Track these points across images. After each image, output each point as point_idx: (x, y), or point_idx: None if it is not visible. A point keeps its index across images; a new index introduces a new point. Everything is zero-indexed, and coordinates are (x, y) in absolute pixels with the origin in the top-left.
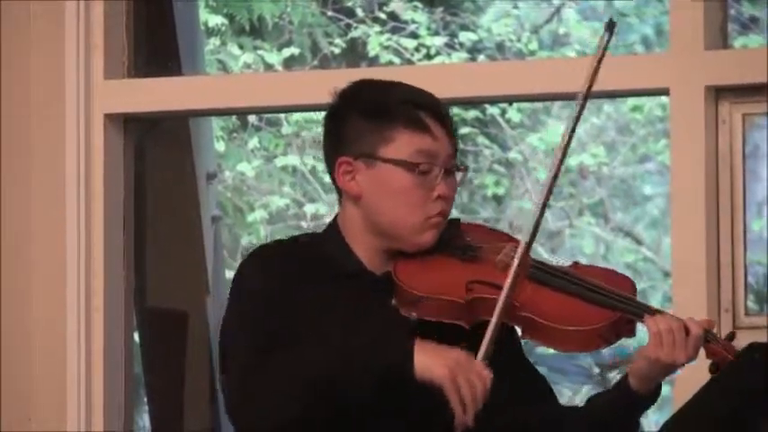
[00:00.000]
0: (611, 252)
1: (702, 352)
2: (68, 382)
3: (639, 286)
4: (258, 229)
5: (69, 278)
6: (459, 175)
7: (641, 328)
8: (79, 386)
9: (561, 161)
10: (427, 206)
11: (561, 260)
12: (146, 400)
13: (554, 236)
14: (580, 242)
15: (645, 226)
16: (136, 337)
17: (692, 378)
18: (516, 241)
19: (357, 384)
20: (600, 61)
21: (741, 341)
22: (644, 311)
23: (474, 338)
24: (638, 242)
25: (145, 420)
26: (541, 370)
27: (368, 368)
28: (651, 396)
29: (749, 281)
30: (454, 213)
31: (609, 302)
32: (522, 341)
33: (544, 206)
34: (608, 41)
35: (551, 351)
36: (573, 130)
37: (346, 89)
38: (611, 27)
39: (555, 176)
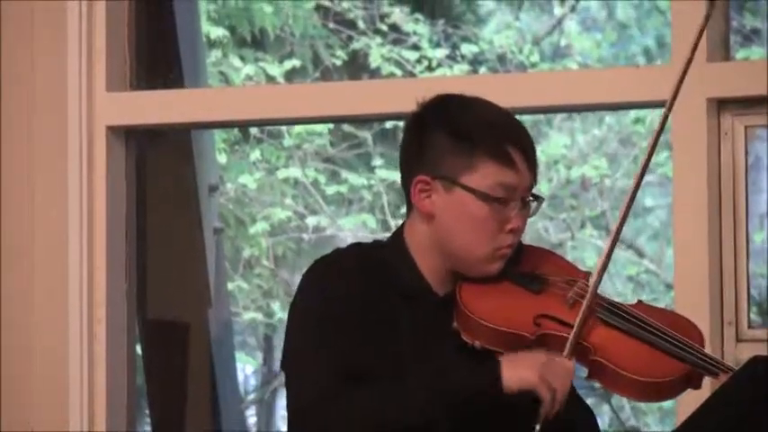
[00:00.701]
0: (613, 264)
1: None
2: (71, 392)
3: (641, 298)
4: (260, 242)
5: (71, 290)
6: (533, 206)
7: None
8: (81, 397)
9: (635, 193)
10: (499, 238)
11: (624, 299)
12: (147, 411)
13: (556, 248)
14: (582, 254)
15: (647, 238)
16: (138, 348)
17: (694, 391)
18: (577, 271)
19: (444, 418)
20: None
21: (744, 353)
22: (718, 368)
23: None
24: (641, 254)
25: (147, 431)
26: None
27: (456, 399)
28: None
29: (752, 293)
30: None
31: (681, 354)
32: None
33: (613, 245)
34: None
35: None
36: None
37: (435, 102)
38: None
39: (626, 214)
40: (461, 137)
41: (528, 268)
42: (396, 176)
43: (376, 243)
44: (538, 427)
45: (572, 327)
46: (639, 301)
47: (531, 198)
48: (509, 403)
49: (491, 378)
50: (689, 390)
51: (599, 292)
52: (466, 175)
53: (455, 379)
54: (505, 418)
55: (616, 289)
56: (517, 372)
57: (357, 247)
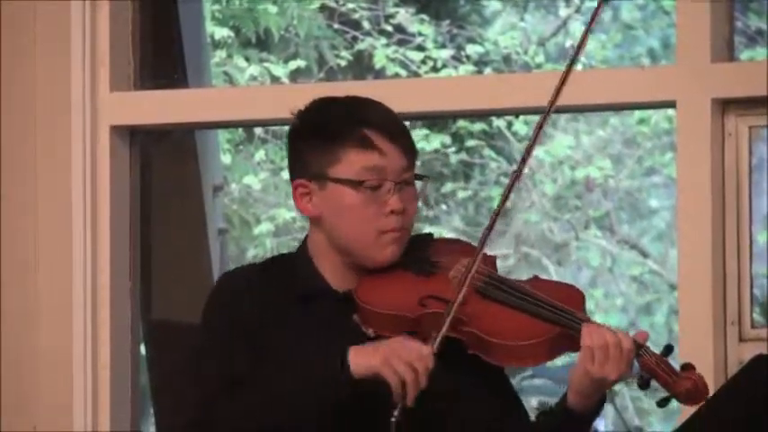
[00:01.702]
0: (617, 265)
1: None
2: (75, 392)
3: (645, 299)
4: (264, 242)
5: (76, 290)
6: (419, 185)
7: None
8: (86, 398)
9: (521, 168)
10: (380, 221)
11: (522, 277)
12: (152, 411)
13: (560, 248)
14: (586, 255)
15: (651, 239)
16: (142, 348)
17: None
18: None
19: (309, 411)
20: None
21: (747, 353)
22: (579, 325)
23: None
24: (645, 255)
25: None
26: (543, 381)
27: (310, 393)
28: (591, 412)
29: (755, 293)
30: (461, 226)
31: (551, 317)
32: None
33: (494, 220)
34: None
35: (556, 362)
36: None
37: (303, 109)
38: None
39: (511, 187)
40: (322, 133)
41: (426, 256)
42: None
43: (287, 254)
44: (395, 415)
45: (449, 302)
46: (535, 276)
47: (413, 178)
48: (371, 395)
49: (338, 365)
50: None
51: (485, 268)
52: (333, 168)
53: (309, 369)
54: (370, 413)
55: (620, 289)
56: (363, 358)
57: (268, 259)
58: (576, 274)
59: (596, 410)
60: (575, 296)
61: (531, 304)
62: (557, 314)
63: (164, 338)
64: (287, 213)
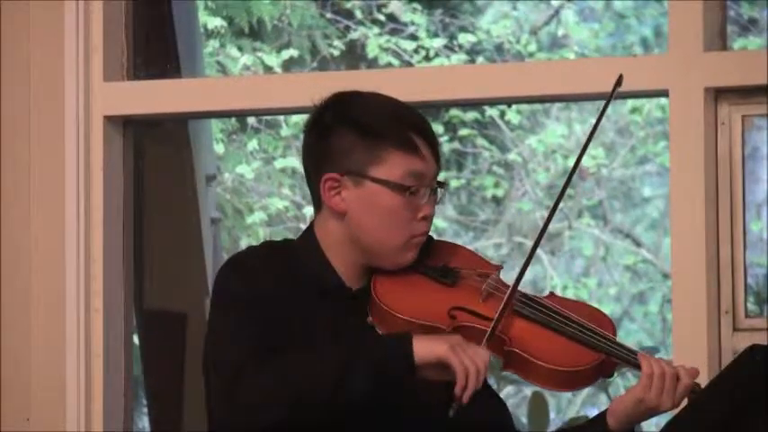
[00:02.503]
0: (610, 254)
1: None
2: (68, 383)
3: (638, 288)
4: (257, 231)
5: (69, 280)
6: (440, 192)
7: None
8: (78, 388)
9: (558, 201)
10: (412, 226)
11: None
12: (145, 401)
13: (553, 237)
14: (579, 244)
15: (644, 228)
16: (135, 338)
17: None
18: (488, 265)
19: (358, 384)
20: (604, 111)
21: (741, 343)
22: (636, 356)
23: None
24: (638, 244)
25: (144, 422)
26: (534, 389)
27: (369, 365)
28: None
29: (749, 282)
30: (453, 215)
31: (596, 345)
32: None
33: (537, 243)
34: (613, 93)
35: None
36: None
37: (331, 101)
38: (619, 83)
39: (552, 213)
40: (366, 131)
41: (439, 262)
42: None
43: (287, 241)
44: (452, 409)
45: (487, 319)
46: (552, 293)
47: (438, 185)
48: (423, 386)
49: (403, 347)
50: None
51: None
52: (374, 167)
53: (367, 350)
54: (420, 407)
55: (614, 278)
56: (428, 343)
57: (268, 244)
58: (570, 263)
59: None
60: (606, 322)
61: (575, 330)
62: (604, 343)
63: (157, 328)
64: (279, 203)
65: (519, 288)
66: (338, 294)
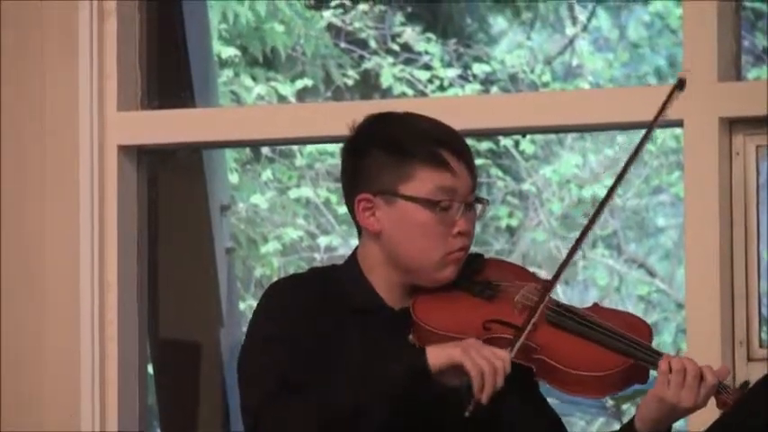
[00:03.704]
0: (624, 284)
1: (713, 401)
2: (82, 411)
3: (653, 318)
4: (272, 261)
5: (83, 309)
6: (479, 208)
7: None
8: (93, 417)
9: (600, 210)
10: (448, 242)
11: (579, 299)
12: (159, 431)
13: (567, 267)
14: (593, 273)
15: (658, 258)
16: (149, 368)
17: (704, 411)
18: (536, 280)
19: (379, 401)
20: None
21: (756, 373)
22: (657, 358)
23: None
24: (652, 274)
25: None
26: (553, 401)
27: (387, 381)
28: None
29: (763, 312)
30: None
31: (624, 349)
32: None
33: (573, 252)
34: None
35: None
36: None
37: (364, 123)
38: (681, 85)
39: (591, 224)
40: (394, 149)
41: (484, 278)
42: None
43: (333, 266)
44: (470, 407)
45: (518, 328)
46: (595, 304)
47: (474, 200)
48: (442, 393)
49: (417, 357)
50: (702, 423)
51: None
52: (404, 185)
53: (382, 364)
54: (440, 412)
55: (627, 308)
56: (442, 349)
57: (314, 270)
58: (584, 293)
59: None
60: (642, 328)
61: (604, 335)
62: (631, 346)
63: (171, 358)
64: (294, 233)
65: (557, 298)
66: (379, 314)
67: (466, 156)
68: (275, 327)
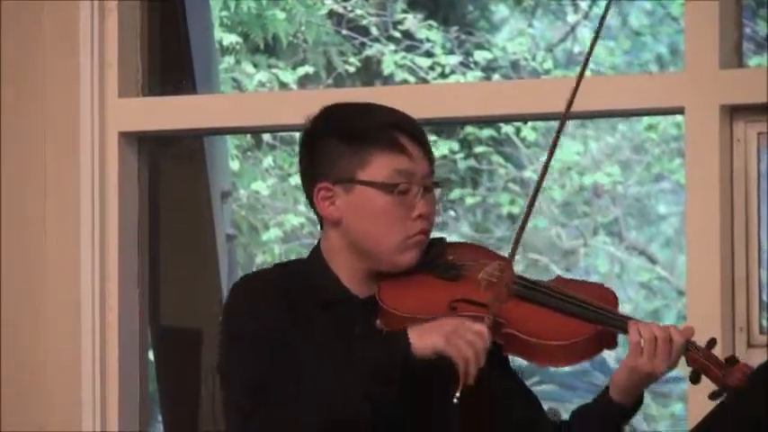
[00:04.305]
0: (625, 271)
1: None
2: (83, 398)
3: (654, 305)
4: (273, 248)
5: (84, 295)
6: (437, 192)
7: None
8: (94, 404)
9: (543, 176)
10: (407, 226)
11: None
12: (160, 417)
13: (568, 255)
14: (594, 261)
15: (659, 245)
16: (150, 354)
17: (705, 397)
18: (499, 259)
19: (364, 394)
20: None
21: (756, 359)
22: (625, 323)
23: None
24: (653, 261)
25: None
26: (551, 387)
27: (373, 378)
28: (633, 407)
29: (763, 299)
30: (469, 232)
31: (590, 316)
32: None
33: (525, 224)
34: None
35: (566, 370)
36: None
37: (320, 114)
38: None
39: (537, 192)
40: (350, 136)
41: (446, 260)
42: None
43: (297, 260)
44: (458, 395)
45: (485, 306)
46: (558, 277)
47: (432, 184)
48: (427, 376)
49: (401, 347)
50: (702, 410)
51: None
52: (361, 171)
53: (366, 355)
54: (427, 394)
55: (629, 295)
56: (424, 338)
57: (279, 265)
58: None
59: (637, 406)
60: (607, 296)
61: (570, 304)
62: (597, 313)
63: (172, 344)
64: (295, 219)
65: (521, 274)
66: (345, 304)
67: (422, 140)
68: (249, 323)
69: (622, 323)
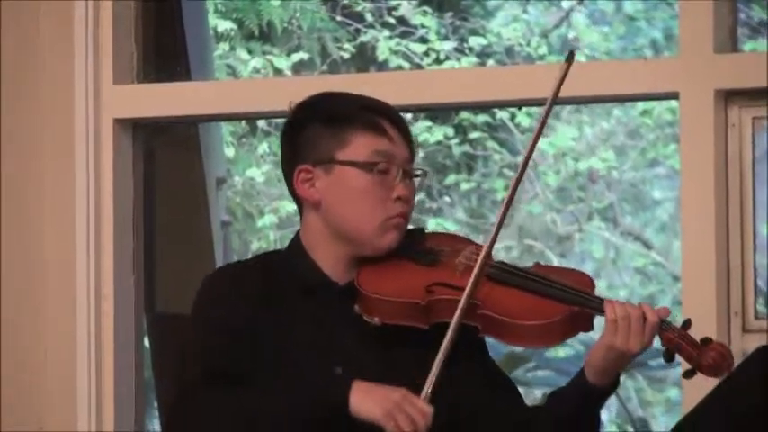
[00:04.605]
0: (620, 256)
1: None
2: (79, 386)
3: (648, 290)
4: (268, 235)
5: (79, 283)
6: (417, 182)
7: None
8: (90, 391)
9: (524, 170)
10: (387, 206)
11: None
12: (156, 404)
13: (563, 240)
14: (589, 246)
15: (654, 230)
16: (146, 341)
17: (700, 382)
18: (476, 245)
19: (292, 424)
20: (557, 91)
21: (751, 344)
22: (601, 303)
23: (435, 340)
24: (648, 246)
25: (155, 425)
26: (546, 372)
27: (304, 410)
28: (609, 388)
29: (758, 284)
30: (464, 218)
31: (566, 297)
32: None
33: (506, 210)
34: (566, 71)
35: (559, 354)
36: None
37: (303, 102)
38: (570, 58)
39: (518, 181)
40: (330, 119)
41: (425, 247)
42: None
43: (276, 250)
44: None
45: (461, 289)
46: (536, 263)
47: (413, 171)
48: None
49: (339, 400)
50: (696, 394)
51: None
52: (341, 151)
53: (307, 392)
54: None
55: (624, 281)
56: (365, 401)
57: (257, 256)
58: (580, 265)
59: (613, 387)
60: (584, 280)
61: (546, 286)
62: (573, 295)
63: (167, 331)
64: (290, 206)
65: (500, 259)
66: (325, 290)
67: (402, 126)
68: (212, 314)
69: (597, 303)
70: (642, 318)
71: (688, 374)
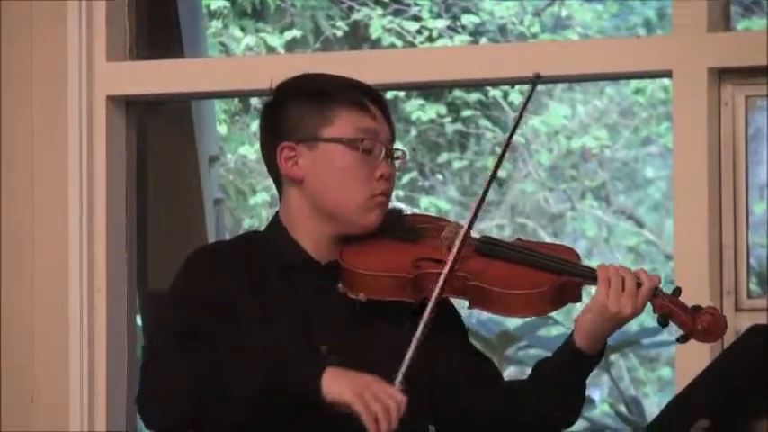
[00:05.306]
0: (612, 235)
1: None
2: (71, 363)
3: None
4: (260, 212)
5: (72, 261)
6: (397, 163)
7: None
8: (82, 368)
9: (505, 151)
10: (371, 184)
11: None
12: None
13: (556, 219)
14: (582, 225)
15: (647, 209)
16: (138, 319)
17: (692, 361)
18: (457, 224)
19: (255, 400)
20: (522, 112)
21: (743, 323)
22: (590, 271)
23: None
24: (640, 225)
25: None
26: (539, 352)
27: (274, 389)
28: (595, 358)
29: (751, 263)
30: (456, 196)
31: (554, 267)
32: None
33: (489, 185)
34: (531, 95)
35: (552, 333)
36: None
37: (284, 81)
38: (535, 81)
39: (502, 157)
40: (314, 96)
41: (405, 225)
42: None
43: (257, 231)
44: None
45: (446, 262)
46: (518, 239)
47: (394, 153)
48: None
49: (312, 383)
50: (689, 373)
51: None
52: (326, 128)
53: (282, 370)
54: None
55: (616, 259)
56: (336, 384)
57: (238, 236)
58: (572, 244)
59: (599, 355)
60: (569, 252)
61: (534, 257)
62: (561, 265)
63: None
64: None
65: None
66: (306, 269)
67: (384, 106)
68: (186, 289)
69: (584, 271)
70: (635, 279)
71: (682, 339)
